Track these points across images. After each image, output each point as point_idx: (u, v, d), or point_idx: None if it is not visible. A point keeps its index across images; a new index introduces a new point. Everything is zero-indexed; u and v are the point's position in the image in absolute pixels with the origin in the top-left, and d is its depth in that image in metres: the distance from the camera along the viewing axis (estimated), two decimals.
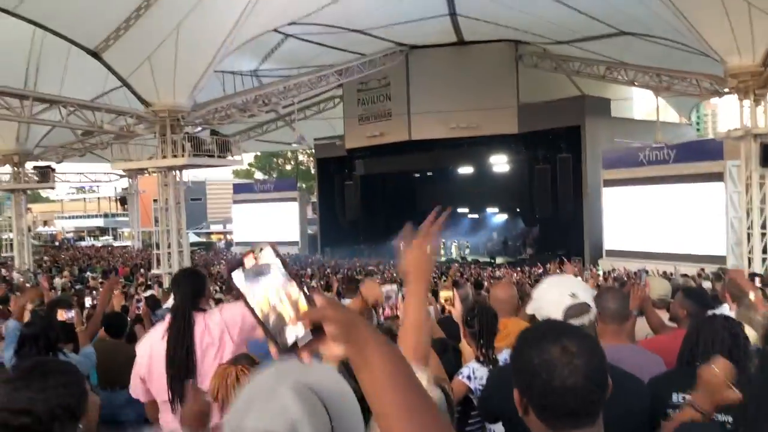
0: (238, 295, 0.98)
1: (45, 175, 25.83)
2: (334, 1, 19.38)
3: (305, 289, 0.96)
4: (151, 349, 2.90)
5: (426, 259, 1.64)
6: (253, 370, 1.96)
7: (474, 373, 2.86)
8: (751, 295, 3.65)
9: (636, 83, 21.62)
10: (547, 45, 25.07)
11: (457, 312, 3.36)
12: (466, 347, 3.16)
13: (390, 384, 0.95)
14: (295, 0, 18.14)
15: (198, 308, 2.92)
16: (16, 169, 24.71)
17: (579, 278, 2.26)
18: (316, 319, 0.94)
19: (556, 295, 2.11)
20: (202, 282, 3.04)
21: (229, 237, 52.42)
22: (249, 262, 0.97)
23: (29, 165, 25.55)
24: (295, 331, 0.93)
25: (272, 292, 0.95)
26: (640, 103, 32.57)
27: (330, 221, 34.97)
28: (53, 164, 27.06)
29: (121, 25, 14.89)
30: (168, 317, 2.96)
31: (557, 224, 26.65)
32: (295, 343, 0.94)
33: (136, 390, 2.96)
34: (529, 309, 2.30)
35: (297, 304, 0.95)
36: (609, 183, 24.16)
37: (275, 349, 0.94)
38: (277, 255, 0.98)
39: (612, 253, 24.22)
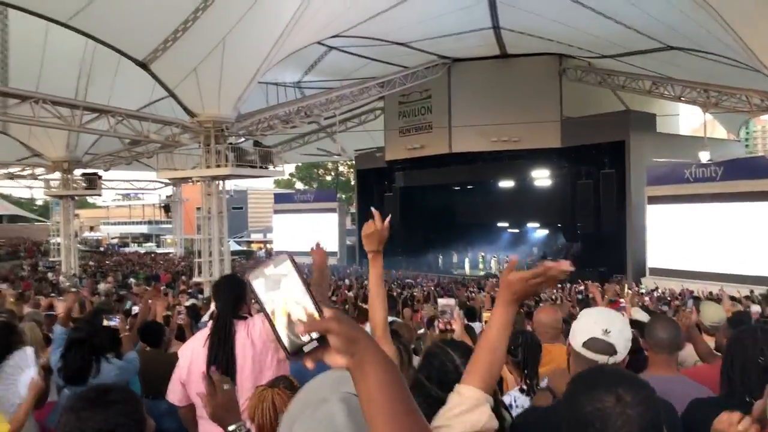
0: (256, 300, 1.03)
1: (92, 182, 26.48)
2: (378, 14, 19.52)
3: (316, 301, 1.02)
4: (192, 354, 2.93)
5: (527, 292, 1.78)
6: (291, 394, 1.96)
7: (515, 402, 2.80)
8: None
9: (683, 99, 21.19)
10: (591, 59, 24.78)
11: (459, 330, 3.31)
12: (507, 374, 3.08)
13: (381, 401, 1.00)
14: (339, 13, 18.28)
15: (239, 316, 2.94)
16: (65, 175, 25.43)
17: (624, 318, 2.15)
18: (320, 330, 0.99)
19: (590, 324, 2.04)
20: (242, 289, 3.06)
21: (269, 246, 52.95)
22: (269, 270, 1.04)
23: (77, 172, 26.24)
24: (304, 339, 0.99)
25: (287, 301, 1.02)
26: (687, 119, 31.93)
27: None
28: (100, 172, 27.74)
29: (169, 37, 15.22)
30: (210, 324, 2.98)
31: (599, 240, 26.19)
32: (301, 349, 1.00)
33: (174, 394, 2.99)
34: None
35: (308, 313, 1.01)
36: (653, 200, 23.67)
37: (284, 355, 1.00)
38: (295, 266, 1.04)
39: (655, 272, 23.69)
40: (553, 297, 16.11)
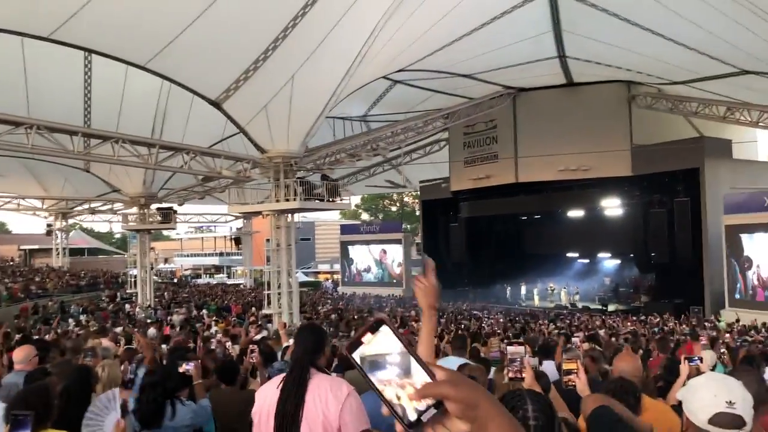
0: (361, 374, 0.98)
1: (167, 216, 27.41)
2: (442, 47, 19.68)
3: (425, 363, 0.96)
4: (266, 397, 2.97)
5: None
6: None
7: None
8: None
9: (761, 124, 20.41)
10: (661, 85, 24.23)
11: (582, 384, 3.19)
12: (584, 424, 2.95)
13: None
14: (404, 48, 18.53)
15: (318, 366, 2.95)
16: (141, 210, 26.45)
17: (741, 384, 2.05)
18: (435, 395, 0.92)
19: (710, 397, 1.93)
20: (322, 337, 3.06)
21: (335, 277, 53.38)
22: (367, 338, 0.99)
23: (153, 206, 27.24)
24: (419, 407, 0.93)
25: (393, 369, 0.96)
26: (766, 144, 30.67)
27: (435, 263, 34.76)
28: (175, 206, 28.70)
29: (240, 77, 15.73)
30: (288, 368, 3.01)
31: (674, 271, 25.27)
32: (419, 420, 0.92)
33: None
34: (679, 395, 2.14)
35: (418, 379, 0.95)
36: (732, 228, 22.73)
37: (401, 428, 0.93)
38: (393, 330, 0.99)
39: (737, 303, 22.64)
40: (629, 328, 15.53)
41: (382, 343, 0.98)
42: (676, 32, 17.68)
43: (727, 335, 13.69)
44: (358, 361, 0.98)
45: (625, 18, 17.58)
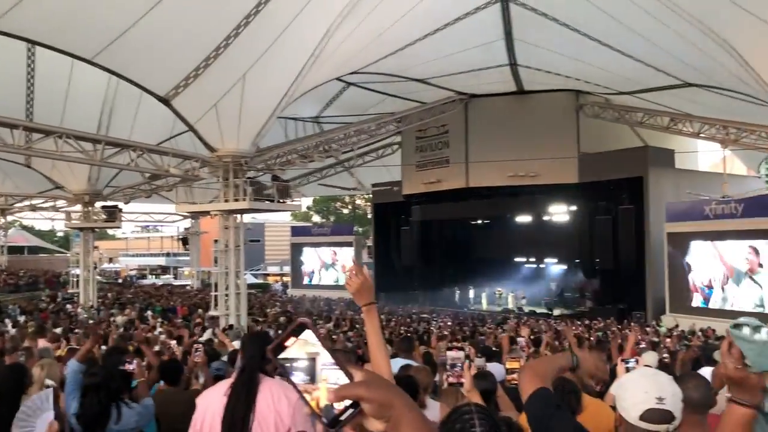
0: (283, 374, 1.03)
1: (112, 214, 26.74)
2: (396, 51, 19.76)
3: (344, 366, 1.00)
4: (210, 404, 2.89)
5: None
6: None
7: None
8: None
9: (701, 135, 21.13)
10: (609, 95, 24.84)
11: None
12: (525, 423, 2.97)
13: None
14: (358, 50, 18.54)
15: (266, 372, 2.89)
16: (85, 208, 25.73)
17: (672, 379, 2.10)
18: (351, 397, 0.96)
19: (640, 394, 1.97)
20: (268, 344, 2.98)
21: (285, 279, 52.96)
22: (290, 342, 1.03)
23: (98, 204, 26.54)
24: (338, 407, 0.97)
25: (315, 371, 1.01)
26: (706, 155, 31.72)
27: (385, 266, 34.90)
28: (120, 204, 28.04)
29: (191, 74, 15.48)
30: (234, 374, 2.95)
31: (618, 277, 25.93)
32: (338, 419, 0.96)
33: None
34: (613, 390, 2.19)
35: (336, 380, 0.99)
36: (673, 236, 23.43)
37: (321, 427, 0.97)
38: (315, 333, 1.03)
39: (677, 309, 23.32)
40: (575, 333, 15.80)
41: (305, 346, 1.03)
42: (624, 44, 18.16)
43: (668, 339, 14.09)
44: (283, 364, 1.03)
45: (575, 28, 17.97)
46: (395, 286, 33.25)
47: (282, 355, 1.03)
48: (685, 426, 2.43)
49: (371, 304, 2.53)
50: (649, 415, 1.94)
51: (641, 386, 2.00)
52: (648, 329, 19.50)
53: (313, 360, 1.01)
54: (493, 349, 8.93)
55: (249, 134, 18.01)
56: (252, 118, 17.43)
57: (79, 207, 26.30)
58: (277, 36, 15.17)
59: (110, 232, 65.40)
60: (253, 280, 50.56)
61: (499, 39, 20.40)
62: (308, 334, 1.03)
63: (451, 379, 3.00)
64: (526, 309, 29.84)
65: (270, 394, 2.79)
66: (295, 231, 43.82)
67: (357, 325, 16.92)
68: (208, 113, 16.83)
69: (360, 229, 50.48)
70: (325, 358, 1.01)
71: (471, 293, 33.48)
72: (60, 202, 29.49)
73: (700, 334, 16.23)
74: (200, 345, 5.99)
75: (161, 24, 13.53)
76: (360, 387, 0.97)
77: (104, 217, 26.65)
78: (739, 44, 14.55)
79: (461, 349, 3.05)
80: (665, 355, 8.35)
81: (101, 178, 24.99)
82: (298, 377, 1.01)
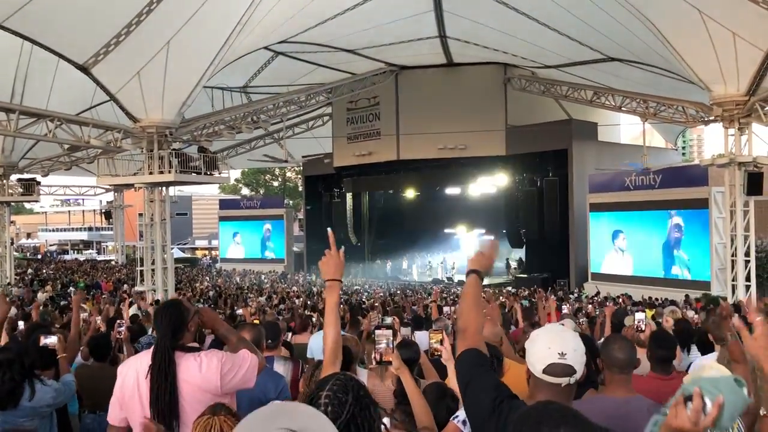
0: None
1: (29, 187, 25.64)
2: (326, 20, 19.48)
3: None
4: (131, 379, 2.80)
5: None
6: (235, 421, 1.91)
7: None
8: (730, 338, 3.05)
9: (623, 109, 21.78)
10: (535, 69, 25.29)
11: (447, 354, 3.28)
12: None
13: None
14: (286, 19, 18.17)
15: (181, 347, 2.82)
16: (0, 181, 24.51)
17: (576, 335, 2.20)
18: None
19: (544, 349, 2.08)
20: (181, 317, 2.84)
21: (213, 253, 52.12)
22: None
23: (14, 177, 25.34)
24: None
25: None
26: (627, 128, 32.85)
27: (317, 239, 34.79)
28: (38, 177, 26.86)
29: (111, 40, 14.85)
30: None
31: (543, 246, 26.74)
32: None
33: (113, 415, 2.87)
34: (526, 345, 2.27)
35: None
36: (595, 207, 24.28)
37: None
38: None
39: (597, 277, 24.28)
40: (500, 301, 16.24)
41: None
42: (550, 18, 18.48)
43: (589, 306, 14.67)
44: None
45: (503, 1, 18.13)
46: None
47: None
48: (612, 385, 2.55)
49: (335, 280, 2.65)
50: (552, 369, 2.06)
51: (546, 342, 2.11)
52: (571, 296, 20.26)
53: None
54: (422, 317, 9.10)
55: (174, 104, 17.48)
56: (177, 88, 16.92)
57: None
58: (203, 2, 14.69)
59: (28, 206, 62.73)
60: (181, 255, 49.59)
61: (429, 10, 20.37)
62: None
63: (377, 357, 3.01)
64: (456, 278, 30.39)
65: (197, 366, 2.74)
66: (224, 204, 43.04)
67: (287, 299, 16.86)
68: (131, 82, 16.24)
69: (291, 201, 50.01)
70: None
71: (403, 264, 33.86)
72: None
73: (619, 299, 16.93)
74: (122, 321, 5.85)
75: None
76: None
77: (20, 190, 25.51)
78: (661, 23, 15.04)
79: (389, 327, 3.03)
80: (582, 320, 8.69)
81: (16, 150, 23.81)
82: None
